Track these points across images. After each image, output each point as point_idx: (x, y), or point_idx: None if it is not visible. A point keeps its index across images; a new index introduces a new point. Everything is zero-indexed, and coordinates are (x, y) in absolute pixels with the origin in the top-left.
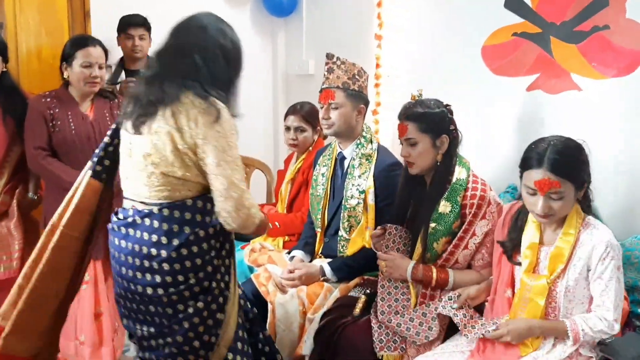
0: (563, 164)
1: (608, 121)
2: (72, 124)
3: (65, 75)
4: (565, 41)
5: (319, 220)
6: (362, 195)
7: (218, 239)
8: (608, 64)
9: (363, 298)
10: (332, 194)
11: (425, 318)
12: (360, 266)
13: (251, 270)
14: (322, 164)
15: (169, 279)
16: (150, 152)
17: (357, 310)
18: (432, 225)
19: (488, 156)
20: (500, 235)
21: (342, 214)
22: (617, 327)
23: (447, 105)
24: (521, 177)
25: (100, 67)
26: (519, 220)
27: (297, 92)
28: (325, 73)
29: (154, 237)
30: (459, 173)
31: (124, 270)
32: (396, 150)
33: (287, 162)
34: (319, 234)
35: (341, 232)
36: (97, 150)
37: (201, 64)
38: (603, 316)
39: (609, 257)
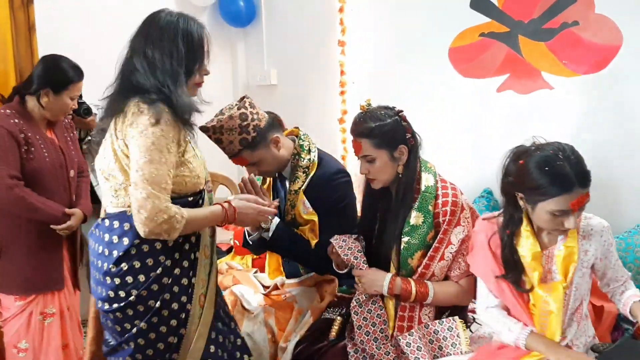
0: (587, 174)
1: (581, 118)
2: (44, 150)
3: (43, 100)
4: (534, 39)
5: None
6: (293, 210)
7: (169, 256)
8: (579, 61)
9: (339, 320)
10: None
11: (410, 348)
12: (298, 247)
13: None
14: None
15: (111, 293)
16: (99, 159)
17: (333, 334)
18: (405, 239)
19: (460, 161)
20: (497, 269)
21: None
22: None
23: (400, 111)
24: (527, 201)
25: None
26: (507, 244)
27: (260, 103)
28: (219, 145)
29: (99, 249)
30: (426, 180)
31: (91, 282)
32: None
33: None
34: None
35: None
36: None
37: (151, 57)
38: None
39: (612, 240)
